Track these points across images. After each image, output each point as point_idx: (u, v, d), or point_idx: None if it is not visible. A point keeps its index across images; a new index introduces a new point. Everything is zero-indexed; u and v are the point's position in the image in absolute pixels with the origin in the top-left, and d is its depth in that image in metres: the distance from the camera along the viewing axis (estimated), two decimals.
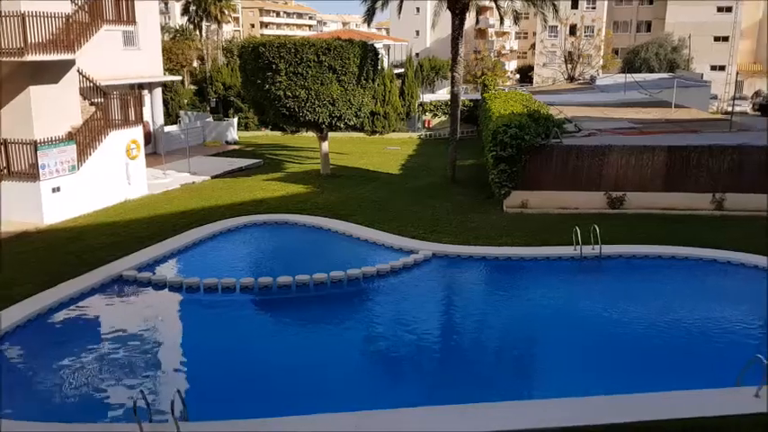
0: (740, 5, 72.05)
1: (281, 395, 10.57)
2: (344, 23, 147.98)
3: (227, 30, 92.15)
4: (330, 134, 28.53)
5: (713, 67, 69.36)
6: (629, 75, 46.04)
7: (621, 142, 22.79)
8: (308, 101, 25.28)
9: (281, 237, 19.79)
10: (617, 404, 9.59)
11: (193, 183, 26.36)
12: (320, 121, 25.95)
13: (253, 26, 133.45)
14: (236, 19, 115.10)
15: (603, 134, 25.33)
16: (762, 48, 76.21)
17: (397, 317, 13.97)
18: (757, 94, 64.57)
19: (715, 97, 57.76)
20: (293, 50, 24.75)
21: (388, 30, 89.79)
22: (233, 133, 38.93)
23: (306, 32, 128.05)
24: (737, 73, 66.09)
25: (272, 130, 38.52)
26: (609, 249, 16.91)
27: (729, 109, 42.27)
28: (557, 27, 71.56)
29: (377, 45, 31.65)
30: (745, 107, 58.05)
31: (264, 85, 25.26)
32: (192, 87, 50.31)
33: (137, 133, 23.82)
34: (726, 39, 71.88)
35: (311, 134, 29.23)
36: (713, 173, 21.43)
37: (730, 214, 20.84)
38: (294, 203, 22.66)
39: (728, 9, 72.22)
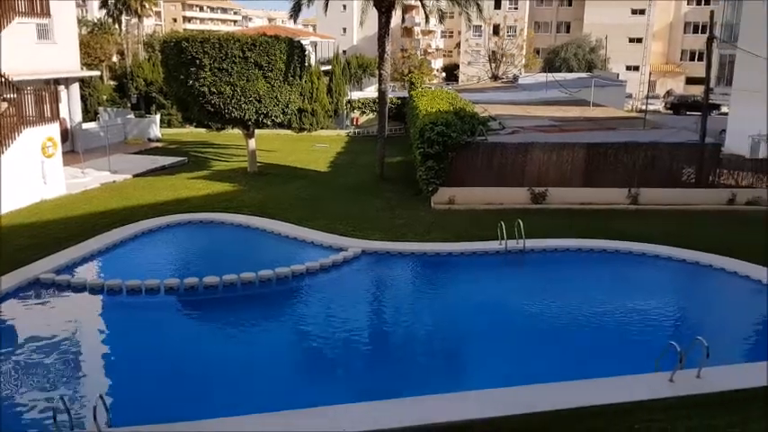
0: (653, 8, 75.50)
1: (209, 397, 10.38)
2: (270, 19, 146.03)
3: (149, 24, 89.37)
4: (257, 131, 28.15)
5: (628, 68, 72.46)
6: (550, 74, 47.50)
7: (543, 139, 23.53)
8: (233, 97, 24.85)
9: (206, 236, 19.41)
10: (539, 393, 9.87)
11: (114, 182, 25.46)
12: (246, 118, 25.57)
13: (175, 20, 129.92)
14: (158, 13, 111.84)
15: (526, 132, 26.07)
16: (672, 49, 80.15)
17: (328, 314, 13.97)
18: (669, 93, 67.78)
19: (630, 96, 60.29)
20: (218, 46, 24.28)
21: (315, 27, 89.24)
22: (155, 130, 37.83)
23: (231, 28, 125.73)
24: (650, 73, 69.25)
25: (196, 127, 37.52)
26: (532, 243, 17.43)
27: (643, 107, 44.21)
28: (481, 27, 73.13)
29: (304, 42, 31.42)
30: (658, 106, 60.87)
31: (188, 81, 24.67)
32: (112, 83, 48.54)
33: (53, 130, 22.80)
34: (640, 40, 75.22)
35: (237, 131, 28.74)
36: (629, 169, 22.41)
37: (644, 208, 21.86)
38: (220, 202, 22.24)
39: (642, 11, 75.60)
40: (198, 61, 24.24)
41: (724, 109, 43.53)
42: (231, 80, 24.61)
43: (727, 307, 15.16)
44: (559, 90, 40.81)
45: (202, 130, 38.22)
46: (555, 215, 20.99)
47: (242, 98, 24.96)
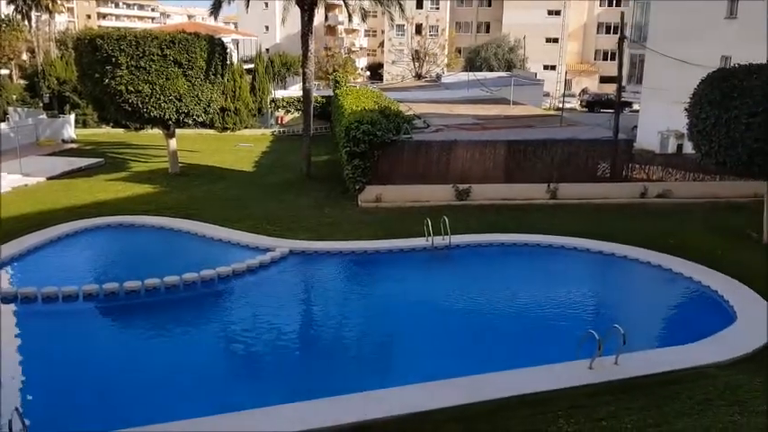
0: (568, 10, 78.23)
1: (134, 404, 10.09)
2: (190, 16, 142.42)
3: (61, 21, 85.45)
4: (178, 131, 27.47)
5: (545, 67, 74.78)
6: (471, 73, 48.48)
7: (466, 137, 24.04)
8: (152, 96, 24.15)
9: (127, 240, 18.79)
10: (469, 385, 10.09)
11: (26, 185, 24.28)
12: (166, 117, 24.91)
13: (89, 17, 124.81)
14: (71, 9, 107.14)
15: (450, 130, 26.55)
16: (587, 49, 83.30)
17: (255, 316, 13.80)
18: (584, 91, 70.39)
19: (547, 95, 62.25)
20: (134, 43, 23.53)
21: (236, 24, 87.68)
22: (70, 131, 36.28)
23: (148, 25, 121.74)
24: (566, 72, 71.69)
25: (113, 127, 36.12)
26: (458, 239, 17.78)
27: (560, 105, 45.78)
28: (404, 26, 73.75)
29: (225, 39, 30.87)
30: (574, 104, 63.13)
31: (103, 80, 23.81)
32: (22, 82, 46.21)
33: None
34: (556, 40, 77.82)
35: (157, 131, 27.95)
36: (547, 165, 23.17)
37: (563, 202, 22.66)
38: (141, 204, 21.58)
39: (557, 13, 78.21)
40: (114, 59, 23.43)
41: (635, 106, 45.63)
42: (149, 78, 23.92)
43: (642, 295, 15.95)
44: (481, 89, 41.73)
45: (120, 131, 36.85)
46: (479, 211, 21.47)
47: (161, 97, 24.29)
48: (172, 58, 24.10)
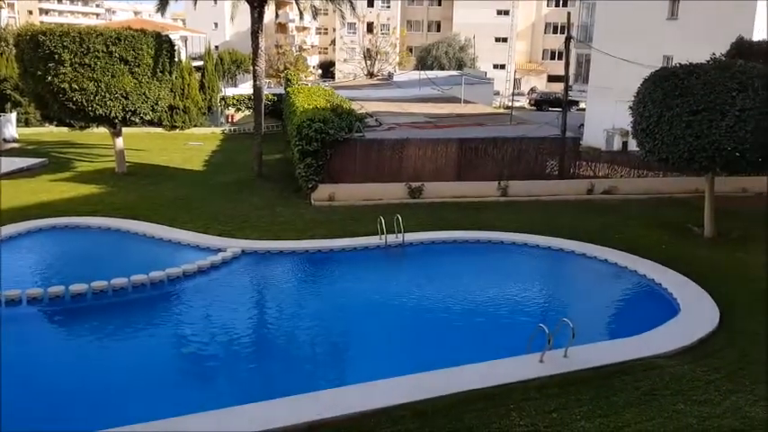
0: (516, 9, 79.46)
1: (81, 410, 9.83)
2: (136, 12, 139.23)
3: (2, 17, 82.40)
4: (125, 130, 26.84)
5: (495, 66, 75.91)
6: (423, 72, 48.81)
7: (418, 135, 24.18)
8: (97, 94, 23.54)
9: (73, 242, 18.25)
10: (424, 381, 10.16)
11: None
12: (112, 115, 24.31)
13: (31, 13, 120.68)
14: (11, 5, 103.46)
15: (402, 128, 26.68)
16: (535, 48, 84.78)
17: (207, 317, 13.61)
18: (533, 90, 71.68)
19: (498, 93, 63.18)
20: (78, 40, 22.89)
21: (184, 21, 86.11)
22: (11, 130, 34.98)
23: (93, 21, 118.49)
24: (516, 71, 72.87)
25: (57, 125, 35.33)
26: (411, 237, 17.89)
27: (510, 104, 46.49)
28: (355, 24, 73.75)
29: (173, 36, 30.27)
30: (523, 102, 64.22)
31: (46, 77, 23.08)
32: None
33: None
34: (505, 40, 78.98)
35: (103, 130, 27.26)
36: (498, 163, 23.52)
37: (513, 199, 23.04)
38: (87, 205, 21.01)
39: (506, 12, 79.41)
40: (57, 56, 22.75)
41: (582, 105, 46.72)
42: (94, 76, 23.31)
43: (590, 290, 16.34)
44: (432, 87, 42.06)
45: (64, 129, 35.98)
46: (432, 209, 21.64)
47: (107, 95, 23.71)
48: (118, 56, 23.54)
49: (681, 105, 17.14)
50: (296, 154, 22.69)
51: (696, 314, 13.15)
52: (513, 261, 17.73)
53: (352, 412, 9.22)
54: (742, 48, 21.46)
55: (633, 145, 22.26)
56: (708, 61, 17.93)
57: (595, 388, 10.15)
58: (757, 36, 24.32)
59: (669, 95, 17.42)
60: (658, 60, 28.24)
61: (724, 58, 18.88)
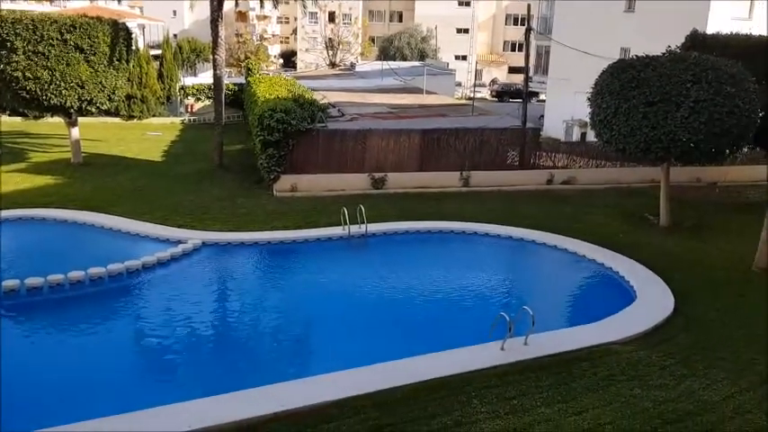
0: (477, 1, 79.82)
1: (35, 406, 9.62)
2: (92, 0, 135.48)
3: None
4: (81, 120, 26.20)
5: (457, 57, 76.16)
6: (385, 62, 48.74)
7: (381, 126, 24.19)
8: (51, 83, 22.89)
9: (28, 235, 17.78)
10: (388, 370, 10.23)
11: None
12: (68, 105, 23.70)
13: None
14: None
15: (365, 118, 26.64)
16: (496, 39, 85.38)
17: (167, 310, 13.41)
18: (494, 81, 72.23)
19: (459, 84, 63.48)
20: (32, 27, 22.19)
21: (141, 9, 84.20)
22: None
23: (46, 8, 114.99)
24: (477, 62, 73.30)
25: (10, 115, 34.27)
26: (374, 227, 17.93)
27: (471, 95, 46.78)
28: (316, 14, 73.15)
29: (130, 24, 29.60)
30: (485, 93, 64.66)
31: None
32: None
33: None
34: (466, 31, 79.30)
35: (59, 120, 26.55)
36: (460, 153, 23.68)
37: (475, 190, 23.23)
38: (42, 197, 20.46)
39: (468, 3, 79.71)
40: (9, 44, 22.03)
41: (542, 96, 47.26)
42: (49, 64, 22.66)
43: (550, 278, 16.63)
44: (394, 78, 42.06)
45: (18, 119, 34.96)
46: (394, 199, 21.69)
47: (62, 84, 23.08)
48: (73, 44, 22.93)
49: (637, 97, 17.49)
50: (257, 144, 22.48)
51: (652, 301, 13.49)
52: (474, 251, 17.90)
53: (316, 403, 9.23)
54: (696, 41, 21.96)
55: (592, 136, 22.67)
56: (663, 54, 18.33)
57: (555, 374, 10.35)
58: (711, 29, 24.90)
59: (626, 87, 17.76)
60: (616, 52, 28.71)
61: (679, 51, 19.31)
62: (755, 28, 24.17)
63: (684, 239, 18.20)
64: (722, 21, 26.98)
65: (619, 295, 14.17)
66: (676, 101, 17.05)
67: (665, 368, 10.66)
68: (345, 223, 17.54)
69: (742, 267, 15.87)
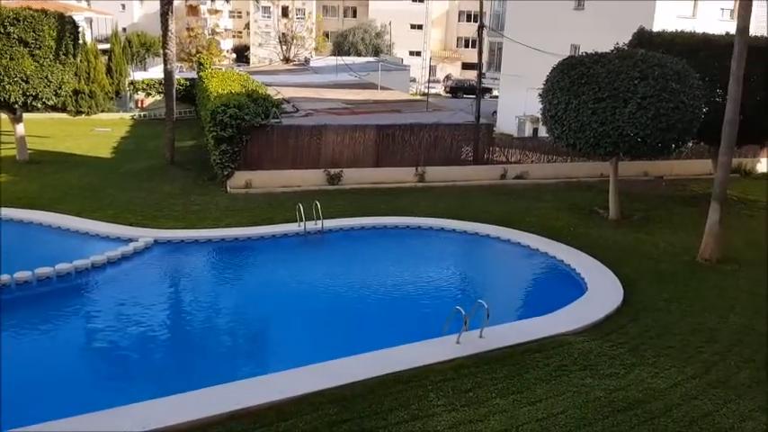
0: None
1: None
2: None
3: None
4: (26, 115, 25.39)
5: (411, 53, 76.32)
6: (339, 57, 48.57)
7: (336, 122, 24.11)
8: None
9: None
10: (345, 366, 10.23)
11: None
12: (12, 100, 22.94)
13: None
14: None
15: (319, 114, 26.52)
16: (450, 36, 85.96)
17: (120, 310, 13.14)
18: (448, 77, 72.68)
19: (414, 80, 63.68)
20: None
21: (89, 1, 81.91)
22: None
23: None
24: (431, 58, 73.67)
25: None
26: (330, 223, 17.90)
27: (426, 91, 47.01)
28: (269, 8, 72.35)
29: (77, 17, 28.82)
30: (439, 89, 65.07)
31: None
32: None
33: None
34: (420, 27, 79.59)
35: (3, 116, 25.68)
36: (415, 149, 23.80)
37: (430, 185, 23.40)
38: None
39: (421, 0, 79.95)
40: None
41: (495, 92, 47.82)
42: None
43: (504, 272, 16.91)
44: (349, 73, 41.95)
45: None
46: (350, 195, 21.68)
47: (5, 78, 22.34)
48: (16, 37, 22.21)
49: (587, 93, 17.87)
50: (210, 140, 22.16)
51: (602, 292, 13.83)
52: (430, 246, 18.04)
53: (273, 400, 9.18)
54: (643, 38, 22.52)
55: (543, 131, 23.04)
56: (612, 51, 18.76)
57: (509, 366, 10.52)
58: (657, 27, 25.57)
59: (576, 83, 18.13)
60: (566, 49, 29.27)
61: (627, 48, 19.79)
62: (699, 26, 24.90)
63: (633, 232, 18.70)
64: (668, 19, 27.72)
65: (570, 287, 14.48)
66: (624, 97, 17.48)
67: (615, 357, 10.96)
68: (301, 219, 17.46)
69: (687, 258, 16.41)
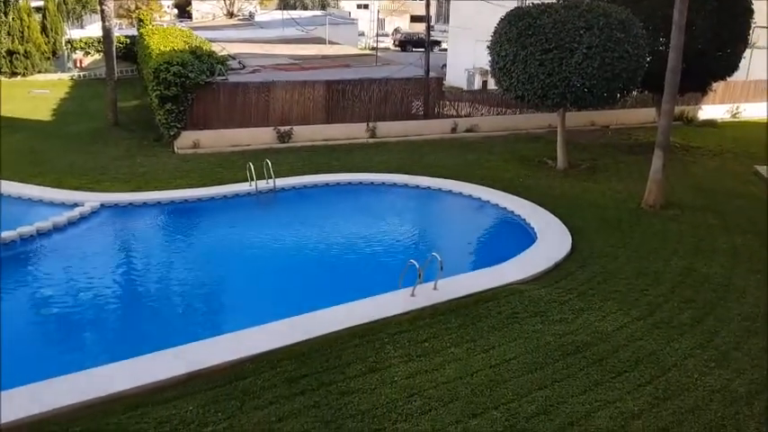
0: None
1: None
2: None
3: None
4: None
5: (359, 6, 75.10)
6: (286, 11, 47.47)
7: (284, 78, 23.71)
8: None
9: None
10: (303, 323, 10.28)
11: None
12: None
13: None
14: None
15: (267, 70, 26.02)
16: None
17: (69, 276, 12.87)
18: (397, 30, 71.85)
19: (362, 34, 62.79)
20: None
21: None
22: None
23: None
24: (379, 11, 72.56)
25: None
26: (282, 182, 17.75)
27: (375, 45, 46.46)
28: None
29: None
30: (388, 43, 64.36)
31: None
32: None
33: None
34: None
35: None
36: (365, 104, 23.63)
37: (382, 140, 23.36)
38: None
39: None
40: None
41: (444, 45, 47.58)
42: None
43: (456, 224, 17.12)
44: (296, 28, 41.10)
45: None
46: (302, 153, 21.49)
47: None
48: None
49: (534, 44, 17.95)
50: (154, 100, 21.53)
51: (551, 241, 14.18)
52: (383, 201, 18.10)
53: (231, 360, 9.20)
54: None
55: (493, 84, 23.14)
56: (558, 1, 18.81)
57: (463, 316, 10.76)
58: None
59: (523, 34, 18.17)
60: (513, 0, 29.18)
61: None
62: None
63: (580, 181, 19.12)
64: None
65: (521, 237, 14.79)
66: (570, 47, 17.63)
67: (564, 303, 11.31)
68: (252, 179, 17.26)
69: (633, 205, 16.90)
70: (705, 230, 15.19)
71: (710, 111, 29.45)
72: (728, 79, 23.80)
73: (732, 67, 21.85)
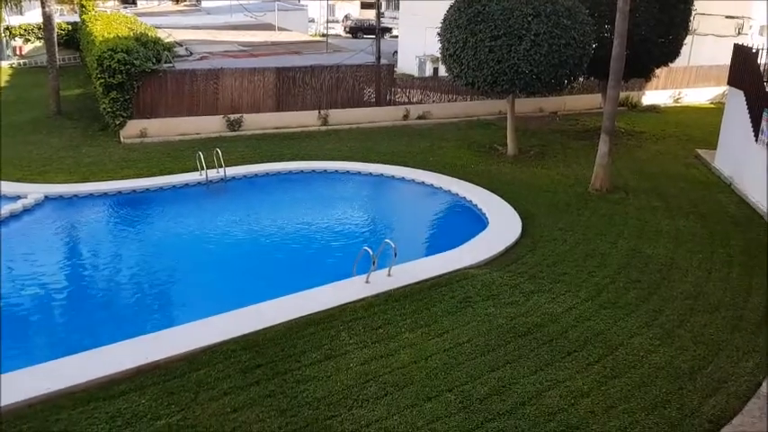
0: None
1: None
2: None
3: None
4: None
5: None
6: None
7: (233, 65, 23.33)
8: None
9: None
10: (259, 312, 10.23)
11: None
12: None
13: None
14: None
15: (215, 57, 25.57)
16: None
17: (12, 271, 12.46)
18: (347, 17, 71.39)
19: (313, 20, 62.16)
20: None
21: None
22: None
23: None
24: None
25: None
26: (233, 171, 17.55)
27: (325, 31, 46.09)
28: None
29: None
30: (339, 30, 63.89)
31: None
32: None
33: None
34: None
35: None
36: (317, 91, 23.47)
37: (334, 128, 23.27)
38: None
39: None
40: None
41: (395, 32, 47.53)
42: None
43: (408, 211, 17.23)
44: (244, 14, 40.42)
45: None
46: (252, 141, 21.24)
47: None
48: None
49: (483, 31, 18.11)
50: (99, 88, 20.94)
51: (502, 226, 14.42)
52: (336, 189, 18.07)
53: (183, 351, 9.10)
54: None
55: (443, 71, 23.25)
56: None
57: (417, 301, 10.88)
58: None
59: (473, 21, 18.31)
60: None
61: None
62: None
63: (530, 166, 19.45)
64: None
65: (472, 222, 15.00)
66: (519, 34, 17.85)
67: (515, 286, 11.53)
68: (202, 168, 17.00)
69: (581, 189, 17.30)
70: (649, 213, 15.67)
71: (654, 96, 30.28)
72: (671, 65, 24.46)
73: (674, 53, 22.49)
